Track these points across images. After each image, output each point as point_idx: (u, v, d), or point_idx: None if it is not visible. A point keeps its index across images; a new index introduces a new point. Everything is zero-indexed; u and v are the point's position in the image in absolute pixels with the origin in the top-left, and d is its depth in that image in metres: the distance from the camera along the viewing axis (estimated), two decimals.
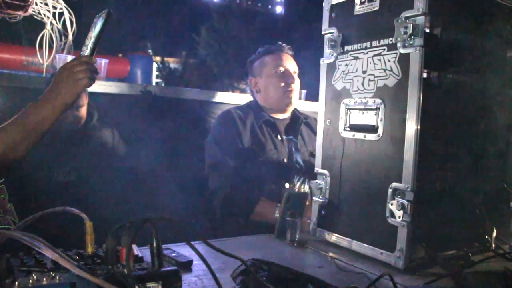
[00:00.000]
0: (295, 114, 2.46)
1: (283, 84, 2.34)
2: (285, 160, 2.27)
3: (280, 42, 2.46)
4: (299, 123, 2.41)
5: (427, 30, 1.34)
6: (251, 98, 2.53)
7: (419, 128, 1.30)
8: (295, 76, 2.39)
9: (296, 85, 2.38)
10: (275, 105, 2.39)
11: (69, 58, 2.51)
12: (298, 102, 2.47)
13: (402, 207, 1.32)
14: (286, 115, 2.43)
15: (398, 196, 1.34)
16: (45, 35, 2.68)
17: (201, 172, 2.50)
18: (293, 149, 2.30)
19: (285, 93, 2.34)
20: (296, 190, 2.18)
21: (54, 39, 2.69)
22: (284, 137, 2.34)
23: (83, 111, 2.30)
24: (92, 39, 1.51)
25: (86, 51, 1.52)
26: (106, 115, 2.49)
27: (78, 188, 2.18)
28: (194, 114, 2.83)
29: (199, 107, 2.88)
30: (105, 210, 2.12)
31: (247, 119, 2.32)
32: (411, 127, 1.31)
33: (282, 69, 2.36)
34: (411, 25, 1.31)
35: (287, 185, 2.20)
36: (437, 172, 1.39)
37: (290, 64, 2.39)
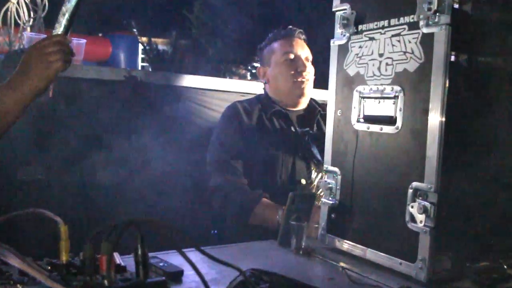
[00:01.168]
0: (311, 105, 2.48)
1: (292, 72, 2.35)
2: (300, 154, 2.29)
3: (290, 26, 2.47)
4: (316, 114, 2.43)
5: (456, 6, 1.33)
6: (246, 84, 2.54)
7: (444, 119, 1.30)
8: (308, 64, 2.40)
9: (309, 73, 2.39)
10: (286, 96, 2.41)
11: (40, 37, 2.51)
12: (313, 92, 2.47)
13: (424, 210, 1.32)
14: (300, 107, 2.46)
15: (420, 198, 1.35)
16: (10, 9, 2.66)
17: (193, 170, 2.51)
18: (310, 142, 2.32)
19: (295, 82, 2.36)
20: (314, 187, 2.21)
21: (21, 14, 2.68)
22: (299, 129, 2.36)
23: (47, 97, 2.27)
24: (66, 16, 1.51)
25: (60, 29, 1.52)
26: (83, 104, 2.48)
27: (48, 189, 2.18)
28: (185, 104, 2.83)
29: (191, 96, 2.88)
30: (82, 212, 2.12)
31: (254, 110, 2.36)
32: (435, 118, 1.31)
33: (291, 55, 2.38)
34: (436, 0, 1.31)
35: (303, 181, 2.24)
36: (466, 170, 1.39)
37: (301, 50, 2.41)
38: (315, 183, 2.24)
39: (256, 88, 2.99)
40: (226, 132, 2.32)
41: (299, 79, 2.36)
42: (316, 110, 2.46)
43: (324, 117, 2.43)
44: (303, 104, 2.45)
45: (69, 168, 2.29)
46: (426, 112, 1.33)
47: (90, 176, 2.36)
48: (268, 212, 2.05)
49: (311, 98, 2.49)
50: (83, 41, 2.75)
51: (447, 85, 1.30)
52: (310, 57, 2.43)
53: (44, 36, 2.39)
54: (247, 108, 2.37)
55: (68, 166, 2.29)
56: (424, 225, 1.33)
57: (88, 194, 2.31)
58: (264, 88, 2.52)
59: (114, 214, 2.34)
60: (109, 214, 2.33)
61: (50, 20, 1.95)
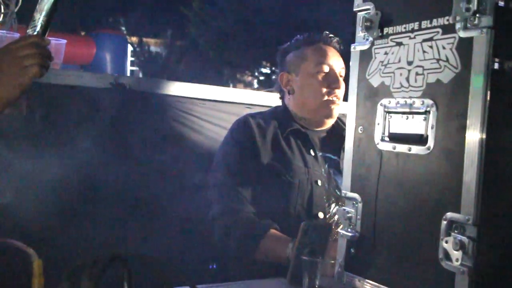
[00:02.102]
0: (337, 125, 2.50)
1: (325, 90, 2.36)
2: (319, 183, 2.29)
3: (327, 32, 2.47)
4: (343, 137, 2.41)
5: (501, 4, 1.31)
6: (254, 94, 2.52)
7: (485, 137, 1.30)
8: (341, 79, 2.40)
9: (341, 91, 2.39)
10: (311, 114, 2.42)
11: (13, 36, 2.53)
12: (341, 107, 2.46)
13: (461, 246, 1.32)
14: (324, 127, 2.47)
15: (456, 231, 1.34)
16: None
17: (190, 194, 2.51)
18: (331, 170, 2.31)
19: (326, 101, 2.37)
20: (333, 222, 2.20)
21: None
22: (319, 153, 2.37)
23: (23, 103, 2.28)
24: (44, 13, 1.52)
25: (36, 28, 1.53)
26: (62, 116, 2.49)
27: (18, 214, 2.18)
28: (182, 117, 2.84)
29: (189, 107, 2.89)
30: (58, 243, 2.12)
31: (269, 128, 2.36)
32: (474, 137, 1.31)
33: (326, 68, 2.38)
34: None
35: (321, 215, 2.24)
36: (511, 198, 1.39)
37: (337, 62, 2.41)
38: (335, 218, 2.22)
39: (265, 99, 2.99)
40: (235, 153, 2.32)
41: (331, 98, 2.36)
42: (344, 131, 2.44)
43: None
44: (328, 124, 2.46)
45: (44, 190, 2.29)
46: (463, 129, 1.33)
47: (69, 200, 2.36)
48: (277, 245, 2.05)
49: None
50: (63, 41, 2.78)
51: (488, 98, 1.30)
52: (344, 72, 2.42)
53: (17, 35, 2.41)
54: (261, 124, 2.36)
55: (42, 187, 2.29)
56: (461, 264, 1.32)
57: (66, 222, 2.31)
58: (283, 99, 2.52)
59: (97, 246, 2.34)
60: (91, 246, 2.33)
61: (24, 15, 1.96)
